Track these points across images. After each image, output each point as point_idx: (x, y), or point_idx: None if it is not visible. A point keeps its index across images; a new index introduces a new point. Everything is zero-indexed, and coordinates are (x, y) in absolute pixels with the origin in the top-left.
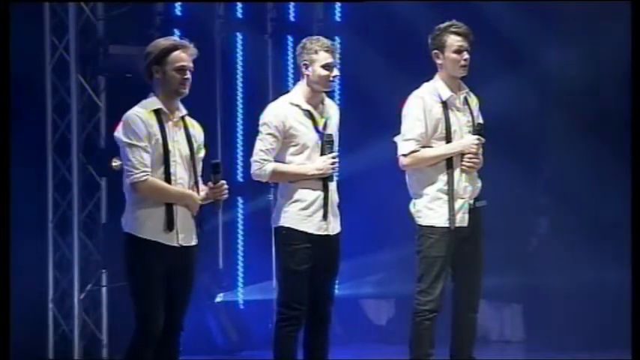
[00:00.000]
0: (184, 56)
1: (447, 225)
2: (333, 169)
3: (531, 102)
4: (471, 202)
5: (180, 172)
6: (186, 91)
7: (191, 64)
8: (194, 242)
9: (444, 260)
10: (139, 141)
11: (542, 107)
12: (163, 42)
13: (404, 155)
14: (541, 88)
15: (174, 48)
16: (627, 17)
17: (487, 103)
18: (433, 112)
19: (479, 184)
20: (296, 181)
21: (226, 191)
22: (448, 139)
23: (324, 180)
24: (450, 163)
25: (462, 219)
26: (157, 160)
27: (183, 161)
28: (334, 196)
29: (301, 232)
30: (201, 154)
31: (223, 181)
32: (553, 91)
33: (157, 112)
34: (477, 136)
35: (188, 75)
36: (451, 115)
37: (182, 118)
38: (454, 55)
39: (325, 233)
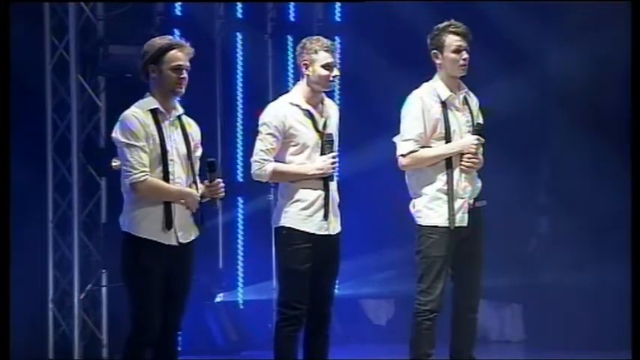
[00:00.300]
0: (181, 55)
1: (447, 225)
2: (333, 168)
3: (531, 102)
4: (471, 202)
5: (178, 171)
6: (183, 90)
7: (187, 64)
8: (192, 237)
9: (443, 260)
10: (137, 141)
11: (542, 107)
12: (159, 41)
13: (402, 156)
14: (541, 88)
15: (171, 47)
16: (627, 17)
17: (487, 103)
18: (432, 112)
19: (479, 184)
20: (296, 181)
21: (223, 189)
22: (447, 139)
23: (324, 180)
24: (449, 163)
25: (462, 219)
26: (154, 160)
27: (180, 160)
28: (335, 196)
29: (302, 232)
30: (198, 152)
31: (219, 179)
32: (553, 91)
33: (154, 112)
34: (476, 136)
35: (184, 74)
36: (450, 114)
37: (178, 117)
38: (453, 55)
39: (326, 233)
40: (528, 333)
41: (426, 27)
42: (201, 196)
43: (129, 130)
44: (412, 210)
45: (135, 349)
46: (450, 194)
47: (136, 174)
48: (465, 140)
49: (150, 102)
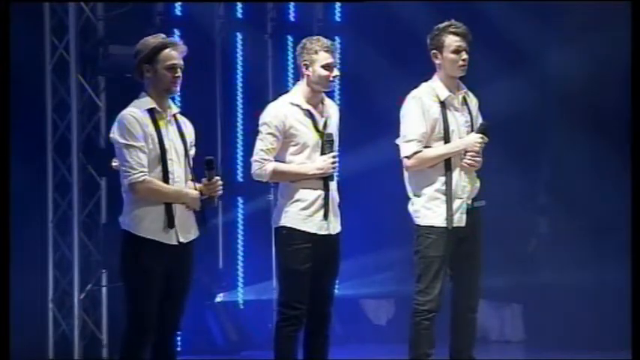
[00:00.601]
0: (175, 54)
1: (445, 225)
2: (333, 168)
3: (531, 102)
4: (469, 202)
5: (177, 170)
6: (178, 89)
7: (181, 62)
8: (193, 237)
9: (441, 260)
10: (135, 141)
11: (542, 107)
12: (152, 40)
13: (407, 157)
14: (541, 88)
15: (164, 46)
16: (627, 17)
17: (487, 103)
18: (431, 112)
19: (477, 184)
20: (297, 181)
21: (221, 187)
22: (446, 139)
23: (324, 179)
24: (448, 163)
25: (460, 219)
26: (153, 160)
27: (179, 159)
28: (335, 196)
29: (302, 232)
30: (193, 151)
31: (217, 177)
32: (553, 91)
33: (151, 112)
34: (480, 135)
35: (179, 73)
36: (449, 115)
37: (174, 116)
38: (452, 56)
39: (326, 233)
40: (528, 333)
41: (426, 27)
42: (200, 194)
43: (127, 131)
44: (410, 210)
45: (133, 349)
46: (449, 194)
47: (134, 174)
48: (469, 138)
49: (146, 102)
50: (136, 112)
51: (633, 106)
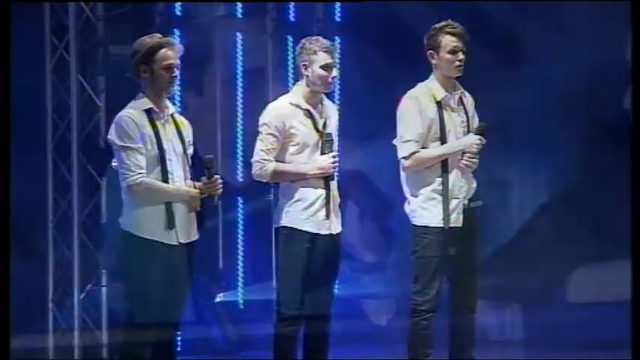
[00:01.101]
0: (171, 54)
1: (441, 225)
2: (334, 168)
3: (531, 102)
4: (466, 202)
5: (176, 170)
6: (174, 89)
7: (178, 62)
8: (194, 238)
9: (439, 260)
10: (133, 143)
11: (542, 107)
12: (149, 40)
13: (405, 158)
14: (541, 88)
15: (161, 46)
16: (627, 17)
17: (486, 103)
18: (428, 112)
19: (474, 184)
20: (297, 181)
21: (221, 186)
22: (442, 139)
23: (325, 179)
24: (445, 164)
25: (457, 219)
26: (152, 160)
27: (177, 159)
28: (335, 195)
29: (304, 232)
30: (191, 150)
31: (217, 176)
32: (553, 91)
33: (148, 112)
34: (478, 136)
35: (176, 73)
36: (445, 115)
37: (171, 115)
38: (449, 56)
39: (328, 232)
40: (528, 333)
41: (426, 27)
42: (200, 193)
43: (124, 132)
44: (407, 210)
45: (133, 349)
46: (445, 194)
47: (132, 176)
48: (468, 139)
49: (144, 102)
50: (133, 113)
51: (633, 106)
